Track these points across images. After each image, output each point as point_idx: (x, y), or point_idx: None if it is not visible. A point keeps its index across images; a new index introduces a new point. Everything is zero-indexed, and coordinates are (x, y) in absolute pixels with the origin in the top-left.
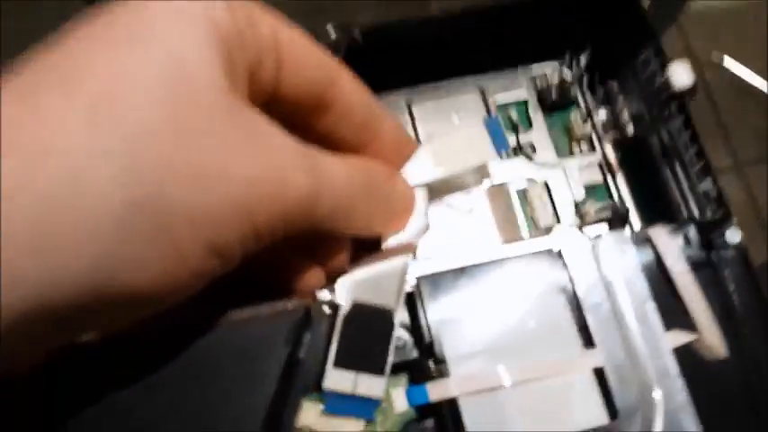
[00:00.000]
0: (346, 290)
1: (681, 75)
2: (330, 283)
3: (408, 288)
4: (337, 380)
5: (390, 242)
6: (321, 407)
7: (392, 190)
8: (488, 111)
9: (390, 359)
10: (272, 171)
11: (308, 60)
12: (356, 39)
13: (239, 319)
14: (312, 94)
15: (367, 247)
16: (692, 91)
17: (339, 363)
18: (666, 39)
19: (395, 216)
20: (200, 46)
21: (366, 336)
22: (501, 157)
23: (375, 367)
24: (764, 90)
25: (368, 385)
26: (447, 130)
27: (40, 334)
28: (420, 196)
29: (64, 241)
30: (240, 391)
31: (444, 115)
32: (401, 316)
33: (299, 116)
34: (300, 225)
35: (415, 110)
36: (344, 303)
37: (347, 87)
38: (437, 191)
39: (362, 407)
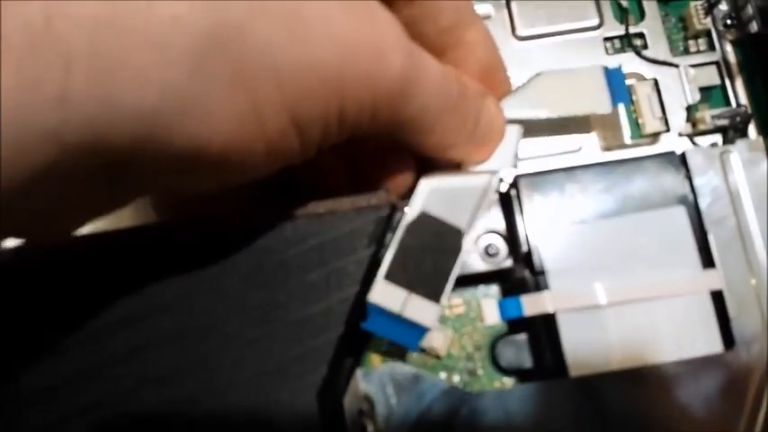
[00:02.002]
0: (419, 195)
1: None
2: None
3: (489, 202)
4: (386, 295)
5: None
6: None
7: (482, 110)
8: None
9: (450, 287)
10: (372, 42)
11: None
12: None
13: (319, 211)
14: None
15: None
16: None
17: (391, 275)
18: None
19: (480, 140)
20: None
21: (428, 254)
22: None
23: (431, 291)
24: None
25: (419, 309)
26: (548, 15)
27: (91, 179)
28: (513, 132)
29: (126, 59)
30: (318, 291)
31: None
32: (472, 240)
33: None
34: (385, 118)
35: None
36: (412, 209)
37: None
38: (534, 131)
39: (406, 332)
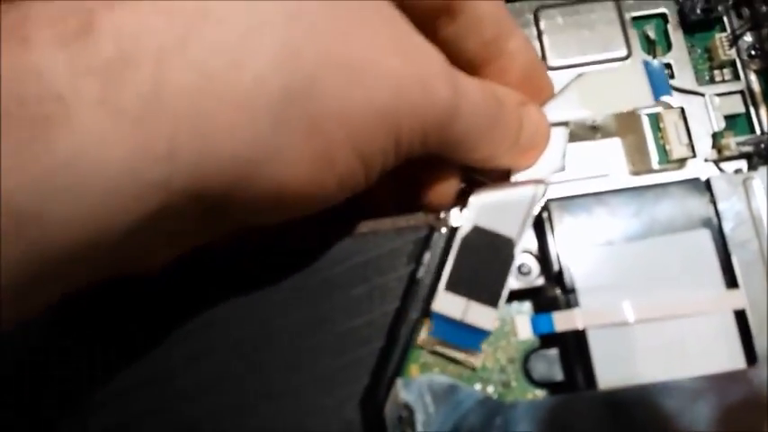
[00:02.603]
0: (471, 211)
1: None
2: (459, 202)
3: (536, 211)
4: (448, 304)
5: (518, 178)
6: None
7: (523, 118)
8: (624, 26)
9: (506, 292)
10: (419, 76)
11: None
12: None
13: (362, 231)
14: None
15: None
16: None
17: (451, 286)
18: None
19: (525, 148)
20: None
21: (483, 263)
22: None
23: (488, 297)
24: None
25: (478, 314)
26: (578, 46)
27: (186, 220)
28: (559, 134)
29: (221, 119)
30: (361, 305)
31: (574, 29)
32: (522, 248)
33: (426, 21)
34: (434, 142)
35: (542, 22)
36: (466, 225)
37: None
38: (579, 134)
39: (469, 336)
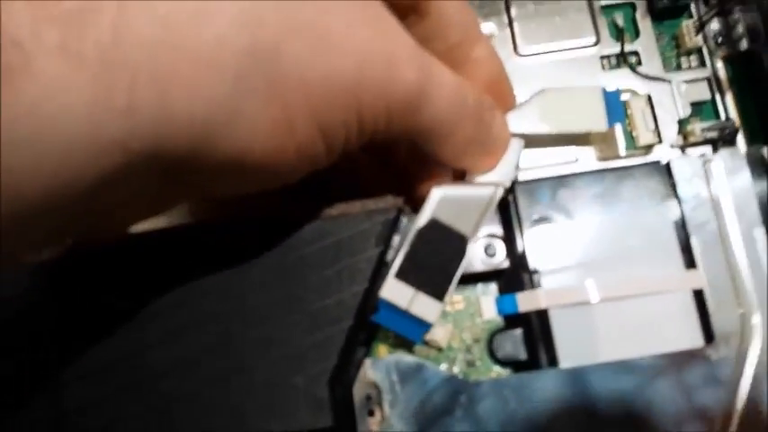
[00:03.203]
0: (430, 204)
1: None
2: None
3: (491, 211)
4: (395, 291)
5: (476, 179)
6: None
7: (492, 121)
8: (593, 14)
9: (453, 288)
10: (386, 54)
11: None
12: None
13: (333, 214)
14: None
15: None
16: None
17: (401, 275)
18: None
19: (488, 150)
20: None
21: (435, 256)
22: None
23: (436, 290)
24: None
25: (424, 306)
26: (548, 33)
27: (146, 181)
28: (515, 144)
29: (181, 75)
30: (331, 285)
31: (544, 17)
32: (474, 246)
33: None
34: (401, 126)
35: (513, 9)
36: (424, 216)
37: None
38: (536, 143)
39: (412, 327)
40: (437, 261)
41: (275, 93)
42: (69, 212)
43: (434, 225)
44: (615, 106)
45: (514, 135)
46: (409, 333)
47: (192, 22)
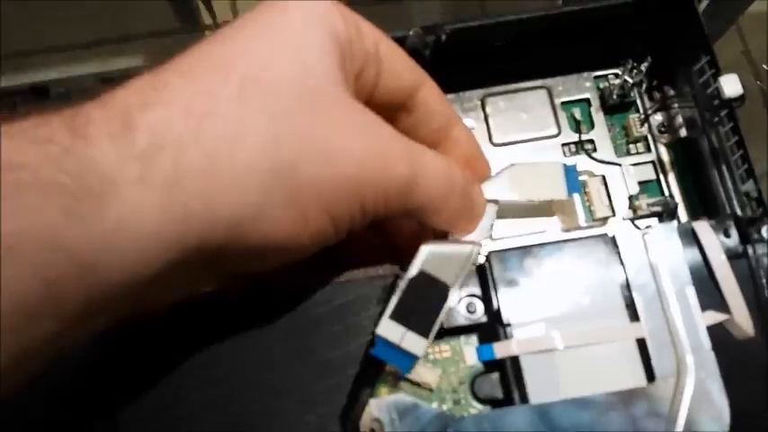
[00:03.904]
0: (419, 257)
1: (730, 86)
2: None
3: (481, 261)
4: (390, 329)
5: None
6: None
7: (474, 192)
8: (554, 109)
9: (436, 327)
10: (379, 156)
11: (402, 69)
12: (442, 39)
13: (340, 280)
14: (401, 98)
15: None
16: (740, 100)
17: (394, 316)
18: (724, 42)
19: (470, 217)
20: (322, 45)
21: (422, 301)
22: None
23: (422, 329)
24: None
25: (412, 342)
26: (517, 126)
27: (194, 268)
28: (490, 209)
29: (222, 191)
30: (340, 340)
31: (514, 112)
32: (456, 294)
33: (385, 115)
34: (398, 207)
35: (488, 107)
36: (414, 268)
37: (430, 94)
38: (506, 211)
39: (403, 359)
40: (424, 305)
41: (293, 197)
42: (140, 294)
43: (422, 275)
44: (573, 178)
45: (489, 201)
46: (400, 364)
47: (228, 154)
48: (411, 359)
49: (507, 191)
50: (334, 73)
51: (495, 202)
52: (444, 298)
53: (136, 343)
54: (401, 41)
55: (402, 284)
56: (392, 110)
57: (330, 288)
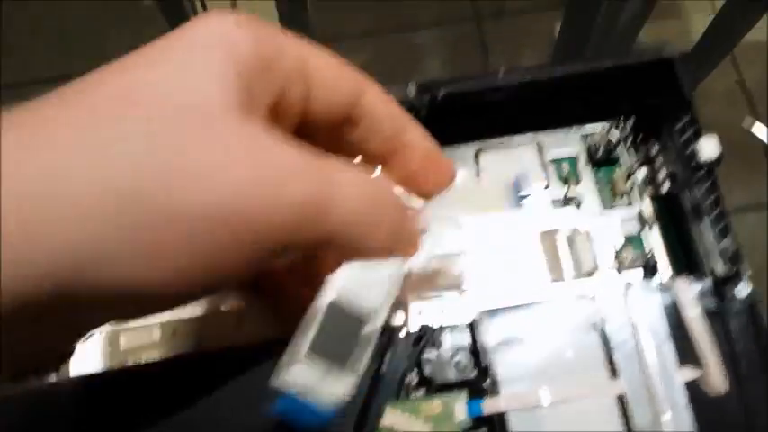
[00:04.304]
0: (336, 280)
1: (708, 148)
2: None
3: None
4: (302, 374)
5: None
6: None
7: (404, 219)
8: (543, 164)
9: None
10: (268, 177)
11: (336, 81)
12: (437, 99)
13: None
14: (342, 110)
15: None
16: (718, 161)
17: (308, 355)
18: (718, 72)
19: (408, 244)
20: (214, 67)
21: (343, 333)
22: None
23: (344, 366)
24: None
25: (334, 384)
26: (509, 181)
27: (47, 313)
28: (435, 231)
29: (59, 228)
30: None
31: (505, 165)
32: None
33: (330, 130)
34: (311, 236)
35: (481, 160)
36: (328, 293)
37: (375, 100)
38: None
39: (315, 414)
40: (345, 337)
41: (150, 233)
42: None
43: (341, 302)
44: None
45: (432, 223)
46: (314, 417)
47: (64, 184)
48: (328, 408)
49: (449, 206)
50: (224, 95)
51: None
52: (369, 325)
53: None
54: (398, 97)
55: (312, 316)
56: (337, 125)
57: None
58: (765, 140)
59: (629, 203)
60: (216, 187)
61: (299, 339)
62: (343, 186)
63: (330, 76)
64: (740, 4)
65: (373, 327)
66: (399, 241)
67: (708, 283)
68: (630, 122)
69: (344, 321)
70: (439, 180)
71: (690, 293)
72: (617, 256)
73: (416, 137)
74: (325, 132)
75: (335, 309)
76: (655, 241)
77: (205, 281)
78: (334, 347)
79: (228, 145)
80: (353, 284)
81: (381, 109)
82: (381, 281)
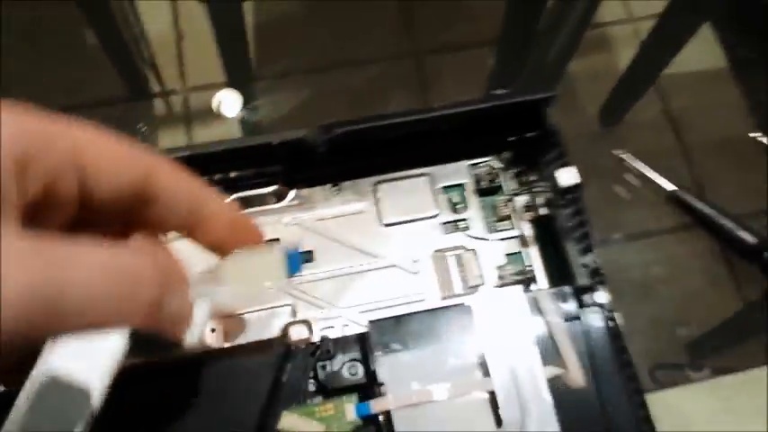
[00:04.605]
0: (49, 353)
1: (566, 178)
2: None
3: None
4: None
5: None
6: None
7: (165, 296)
8: (434, 193)
9: None
10: None
11: (117, 164)
12: (337, 137)
13: (237, 347)
14: (129, 193)
15: None
16: (578, 188)
17: None
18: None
19: (177, 324)
20: None
21: (54, 411)
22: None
23: None
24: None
25: None
26: (404, 208)
27: None
28: (201, 308)
29: None
30: (237, 404)
31: (401, 197)
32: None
33: (123, 212)
34: (48, 328)
35: (379, 192)
36: (41, 368)
37: (168, 179)
38: (225, 305)
39: None
40: (56, 416)
41: None
42: None
43: (53, 378)
44: (294, 262)
45: (200, 299)
46: None
47: None
48: None
49: (221, 285)
50: None
51: (209, 300)
52: (84, 405)
53: None
54: (299, 139)
55: (23, 395)
56: (129, 206)
57: (229, 354)
58: (636, 171)
59: (512, 227)
60: None
61: (7, 424)
62: (77, 276)
63: (110, 162)
64: (662, 37)
65: (84, 407)
66: (161, 316)
67: (569, 293)
68: (509, 155)
69: (52, 401)
70: (243, 242)
71: (552, 302)
72: (500, 272)
73: (217, 208)
74: (118, 214)
75: (44, 387)
76: (534, 258)
77: None
78: (50, 425)
79: None
80: (68, 359)
81: (176, 187)
82: (99, 356)
